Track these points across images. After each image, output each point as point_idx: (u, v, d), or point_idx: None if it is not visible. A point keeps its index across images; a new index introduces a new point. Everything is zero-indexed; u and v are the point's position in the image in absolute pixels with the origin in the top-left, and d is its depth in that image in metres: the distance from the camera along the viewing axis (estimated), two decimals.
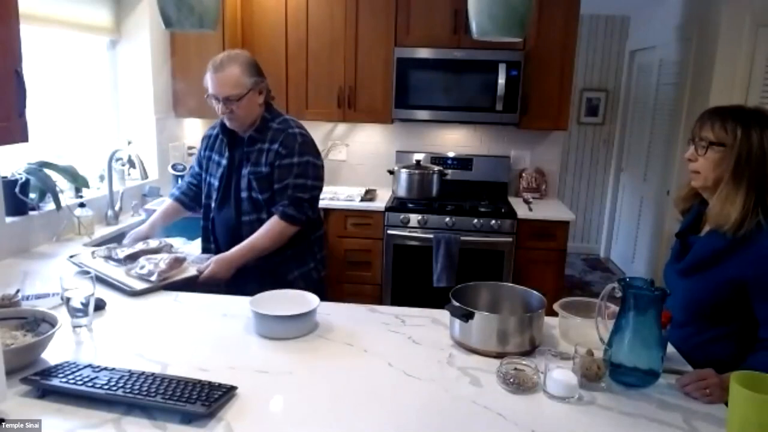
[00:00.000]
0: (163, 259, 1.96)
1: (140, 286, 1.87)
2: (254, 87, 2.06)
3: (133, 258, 2.03)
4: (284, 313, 1.58)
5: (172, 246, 2.20)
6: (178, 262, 1.98)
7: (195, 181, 2.39)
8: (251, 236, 2.09)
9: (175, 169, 3.13)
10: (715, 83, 3.72)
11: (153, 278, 1.89)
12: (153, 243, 2.16)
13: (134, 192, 3.09)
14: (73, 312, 1.57)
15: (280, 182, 2.10)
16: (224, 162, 2.19)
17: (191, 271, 2.00)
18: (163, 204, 2.36)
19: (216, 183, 2.21)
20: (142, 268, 1.94)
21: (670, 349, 1.52)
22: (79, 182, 2.67)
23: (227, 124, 2.13)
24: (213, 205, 2.23)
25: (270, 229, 2.09)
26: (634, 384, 1.37)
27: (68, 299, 1.58)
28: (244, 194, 2.14)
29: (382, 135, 4.10)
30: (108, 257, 2.08)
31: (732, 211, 1.44)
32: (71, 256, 2.11)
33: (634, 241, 5.23)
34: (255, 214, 2.14)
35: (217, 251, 2.16)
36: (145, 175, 2.85)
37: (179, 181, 3.12)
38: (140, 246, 2.12)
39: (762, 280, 1.42)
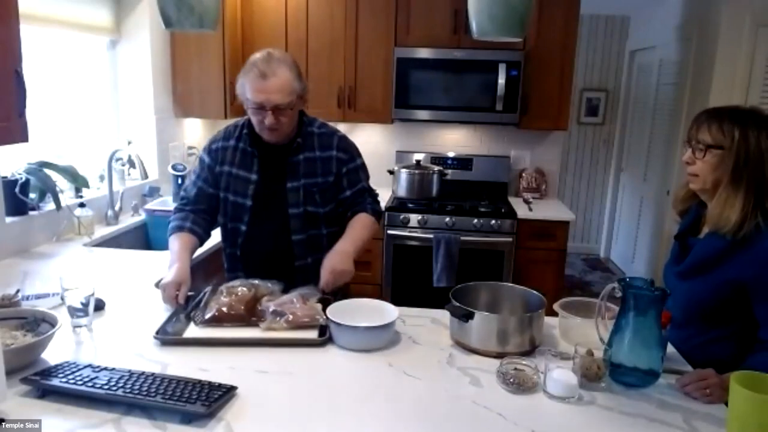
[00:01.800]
0: (294, 298, 1.67)
1: (313, 333, 1.59)
2: (302, 93, 1.84)
3: (252, 310, 1.67)
4: (370, 324, 1.53)
5: (258, 284, 1.77)
6: (303, 297, 1.70)
7: (204, 206, 1.97)
8: (349, 229, 1.90)
9: (175, 169, 3.13)
10: (715, 83, 3.72)
11: (321, 320, 1.61)
12: (240, 287, 1.73)
13: (134, 192, 3.09)
14: (73, 312, 1.57)
15: (354, 186, 1.96)
16: (254, 177, 1.91)
17: (316, 302, 1.72)
18: (178, 240, 1.89)
19: (248, 203, 1.90)
20: (281, 316, 1.61)
21: (670, 349, 1.52)
22: (79, 182, 2.67)
23: (265, 136, 1.85)
24: (244, 228, 1.93)
25: (366, 222, 1.93)
26: (634, 384, 1.37)
27: (68, 299, 1.57)
28: (295, 210, 1.90)
29: (382, 135, 4.11)
30: (198, 320, 1.64)
31: (732, 214, 1.44)
32: (158, 337, 1.54)
33: (634, 241, 5.23)
34: (305, 232, 1.91)
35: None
36: (145, 175, 2.85)
37: (179, 181, 3.12)
38: (230, 297, 1.68)
39: (762, 282, 1.42)
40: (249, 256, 1.96)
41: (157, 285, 1.77)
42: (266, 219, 1.92)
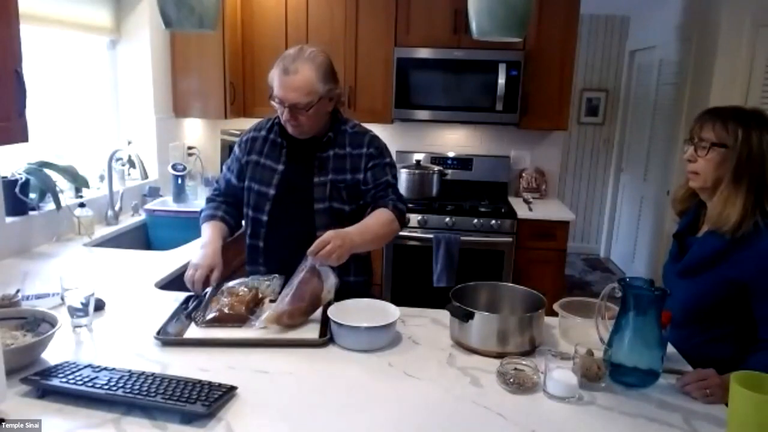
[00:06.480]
0: (285, 295, 1.62)
1: (313, 333, 1.59)
2: (326, 95, 1.79)
3: (252, 311, 1.67)
4: (371, 324, 1.53)
5: (258, 284, 1.79)
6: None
7: (232, 199, 2.00)
8: (364, 221, 1.80)
9: (175, 169, 3.13)
10: (715, 83, 3.72)
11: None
12: (241, 288, 1.74)
13: (134, 192, 3.09)
14: (73, 312, 1.57)
15: (377, 180, 1.88)
16: (280, 167, 1.90)
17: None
18: (210, 227, 1.92)
19: (271, 192, 1.89)
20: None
21: (670, 349, 1.52)
22: (79, 182, 2.67)
23: (288, 130, 1.85)
24: (265, 218, 1.90)
25: (383, 219, 1.81)
26: (634, 384, 1.37)
27: (68, 299, 1.57)
28: (320, 205, 1.86)
29: (382, 135, 4.00)
30: (200, 321, 1.63)
31: (732, 213, 1.44)
32: (159, 338, 1.52)
33: (634, 241, 5.23)
34: (330, 228, 1.77)
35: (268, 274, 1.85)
36: (145, 175, 2.86)
37: (179, 181, 3.12)
38: (231, 297, 1.68)
39: (761, 281, 1.42)
40: (271, 249, 1.92)
41: (159, 286, 1.76)
42: (290, 212, 1.89)
